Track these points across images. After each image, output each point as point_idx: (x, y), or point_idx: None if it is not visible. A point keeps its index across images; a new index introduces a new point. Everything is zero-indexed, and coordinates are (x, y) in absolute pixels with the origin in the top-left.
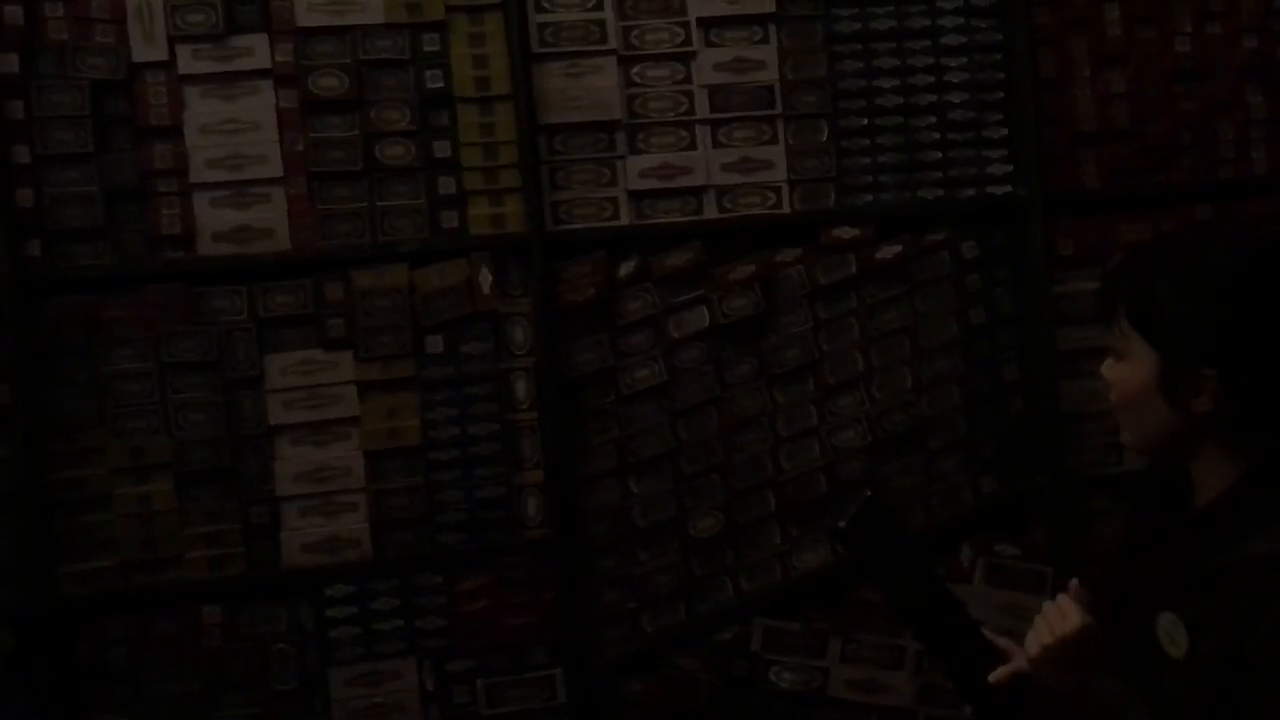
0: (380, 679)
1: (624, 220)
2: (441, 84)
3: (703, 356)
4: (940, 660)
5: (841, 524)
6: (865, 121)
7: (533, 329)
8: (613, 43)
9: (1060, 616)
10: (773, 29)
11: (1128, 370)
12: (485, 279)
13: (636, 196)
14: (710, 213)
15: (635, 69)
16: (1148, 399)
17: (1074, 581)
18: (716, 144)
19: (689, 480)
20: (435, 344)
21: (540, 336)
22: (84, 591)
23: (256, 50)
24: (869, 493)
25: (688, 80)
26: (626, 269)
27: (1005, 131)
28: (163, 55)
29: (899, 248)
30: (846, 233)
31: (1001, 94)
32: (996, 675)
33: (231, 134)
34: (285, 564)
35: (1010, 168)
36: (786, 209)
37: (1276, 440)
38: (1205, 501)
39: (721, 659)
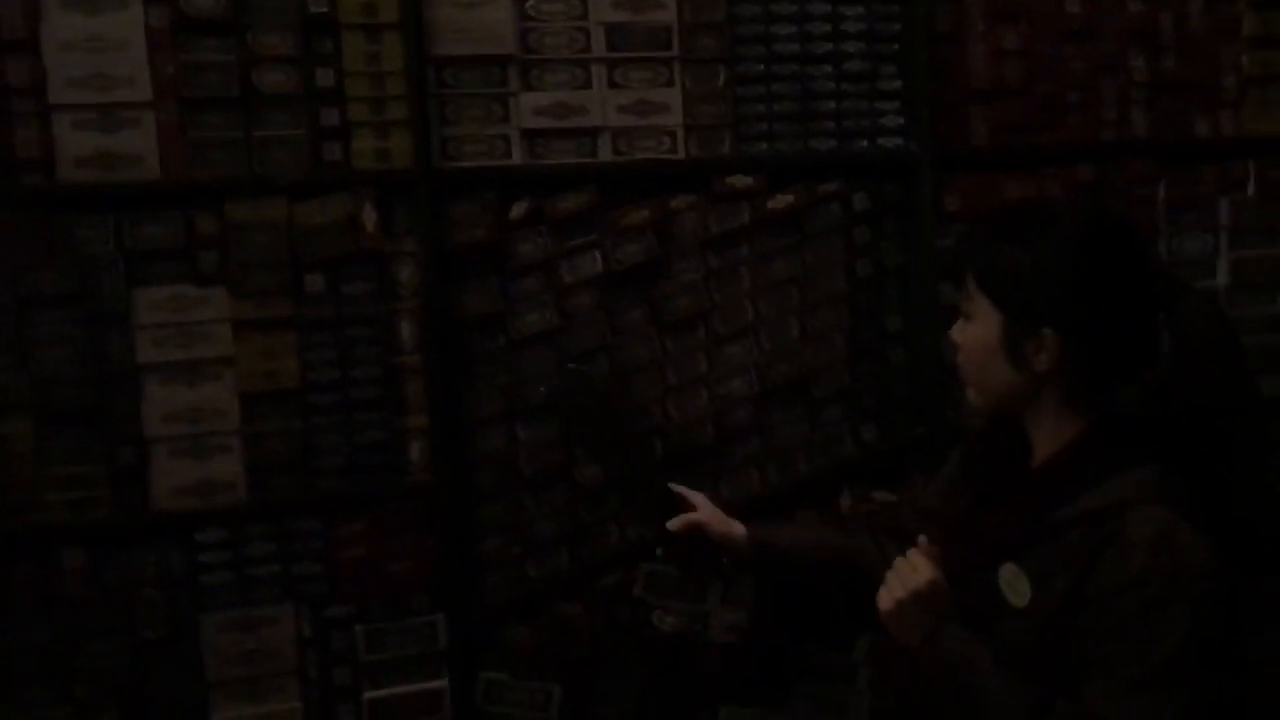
0: (255, 625)
1: (516, 159)
2: (325, 9)
3: (594, 302)
4: (633, 508)
5: (542, 389)
6: (762, 68)
7: (419, 269)
8: None
9: (911, 571)
10: None
11: (974, 331)
12: (369, 216)
13: (529, 135)
14: (605, 155)
15: (530, 2)
16: (992, 358)
17: (923, 538)
18: (612, 84)
19: None
20: (315, 282)
21: (427, 277)
22: None
23: None
24: (572, 366)
25: (584, 17)
26: (518, 210)
27: (899, 84)
28: None
29: (791, 198)
30: (740, 181)
31: (896, 46)
32: (673, 523)
33: (96, 52)
34: (154, 507)
35: (902, 120)
36: (682, 154)
37: (1110, 400)
38: (1043, 459)
39: (604, 604)
